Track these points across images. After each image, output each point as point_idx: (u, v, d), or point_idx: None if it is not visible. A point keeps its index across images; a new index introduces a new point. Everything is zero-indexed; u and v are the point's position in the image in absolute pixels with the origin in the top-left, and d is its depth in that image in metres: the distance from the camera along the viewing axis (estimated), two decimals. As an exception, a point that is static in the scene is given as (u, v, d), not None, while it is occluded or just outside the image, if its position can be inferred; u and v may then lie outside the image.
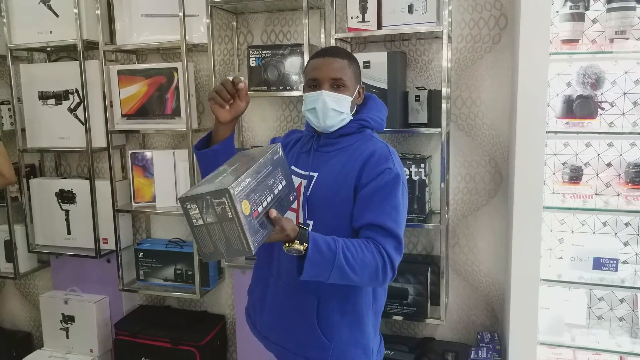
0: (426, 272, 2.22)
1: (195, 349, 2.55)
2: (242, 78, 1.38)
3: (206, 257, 1.11)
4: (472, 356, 2.21)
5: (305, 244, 1.22)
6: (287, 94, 2.24)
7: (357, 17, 2.13)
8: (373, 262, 1.29)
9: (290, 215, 1.45)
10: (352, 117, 1.48)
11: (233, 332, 2.79)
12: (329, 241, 1.27)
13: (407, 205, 1.42)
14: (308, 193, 1.43)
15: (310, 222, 1.42)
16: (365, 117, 1.49)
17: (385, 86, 2.08)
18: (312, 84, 1.44)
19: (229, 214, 1.02)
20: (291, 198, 1.33)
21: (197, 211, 1.06)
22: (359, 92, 1.50)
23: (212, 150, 1.47)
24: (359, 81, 1.51)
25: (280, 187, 1.25)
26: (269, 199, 1.16)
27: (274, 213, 1.15)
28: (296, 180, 1.45)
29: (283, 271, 1.47)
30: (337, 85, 1.43)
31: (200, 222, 1.07)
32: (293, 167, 1.50)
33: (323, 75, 1.42)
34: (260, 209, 1.11)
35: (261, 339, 1.59)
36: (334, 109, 1.42)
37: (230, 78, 1.39)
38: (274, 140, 1.64)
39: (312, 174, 1.45)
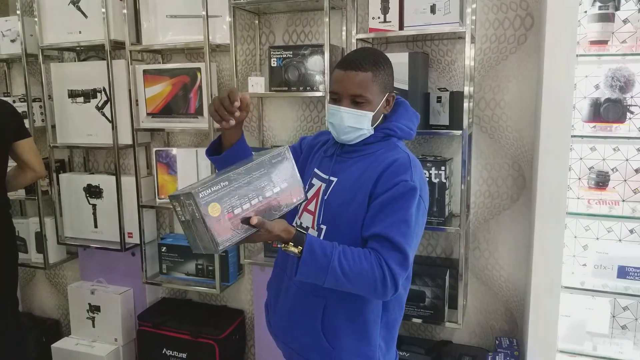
0: (444, 275, 2.20)
1: (215, 342, 2.60)
2: (240, 93, 1.32)
3: (193, 248, 1.21)
4: (489, 361, 2.19)
5: (300, 246, 1.25)
6: (307, 94, 2.25)
7: (379, 18, 2.11)
8: (370, 273, 1.26)
9: (307, 217, 1.46)
10: (372, 131, 1.42)
11: (251, 327, 2.84)
12: (326, 246, 1.27)
13: (423, 221, 1.37)
14: (325, 197, 1.42)
15: (324, 227, 1.42)
16: (391, 126, 1.44)
17: (406, 87, 2.06)
18: (333, 97, 1.40)
19: (197, 214, 1.12)
20: (294, 200, 1.32)
21: (179, 209, 1.16)
22: (387, 100, 1.43)
23: (222, 157, 1.47)
24: (389, 89, 1.43)
25: (276, 190, 1.27)
26: (254, 201, 1.21)
27: (254, 220, 1.18)
28: (317, 183, 1.46)
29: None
30: (357, 102, 1.37)
31: (182, 218, 1.17)
32: (316, 170, 1.50)
33: (343, 90, 1.37)
34: (238, 210, 1.17)
35: (273, 336, 1.61)
36: (351, 126, 1.38)
37: (228, 96, 1.33)
38: (302, 140, 1.66)
39: (331, 178, 1.44)
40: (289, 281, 1.51)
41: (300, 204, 1.38)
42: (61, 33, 2.61)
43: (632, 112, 2.04)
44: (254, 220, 1.19)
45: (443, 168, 2.13)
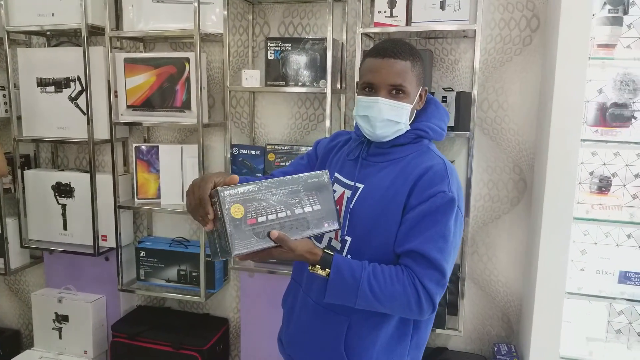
0: (445, 281, 2.14)
1: (198, 353, 2.43)
2: (217, 188, 1.14)
3: (212, 255, 1.18)
4: (490, 369, 2.14)
5: (327, 269, 1.18)
6: (308, 90, 2.13)
7: (385, 12, 2.02)
8: (404, 295, 1.18)
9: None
10: (409, 127, 1.31)
11: (236, 336, 2.68)
12: (355, 268, 1.19)
13: (461, 234, 1.27)
14: (351, 206, 1.30)
15: (348, 239, 1.29)
16: (423, 127, 1.31)
17: (427, 88, 1.98)
18: (368, 88, 1.27)
19: (219, 213, 1.10)
20: (325, 226, 1.25)
21: (216, 207, 1.14)
22: (420, 95, 1.32)
23: None
24: (422, 83, 1.32)
25: (307, 210, 1.22)
26: (281, 214, 1.17)
27: (275, 234, 1.14)
28: (339, 190, 1.34)
29: (314, 286, 1.35)
30: (397, 92, 1.25)
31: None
32: (337, 175, 1.37)
33: (381, 80, 1.24)
34: (262, 219, 1.14)
35: (284, 356, 1.48)
36: (389, 119, 1.26)
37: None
38: (317, 144, 1.53)
39: (357, 185, 1.31)
40: (305, 296, 1.39)
41: (332, 232, 1.28)
42: (31, 15, 2.37)
43: (635, 118, 2.04)
44: (275, 234, 1.13)
45: (447, 170, 2.06)
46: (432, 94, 2.10)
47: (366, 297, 1.18)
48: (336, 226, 1.26)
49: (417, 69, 1.28)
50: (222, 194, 1.10)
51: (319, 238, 1.37)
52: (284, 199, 1.18)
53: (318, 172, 1.27)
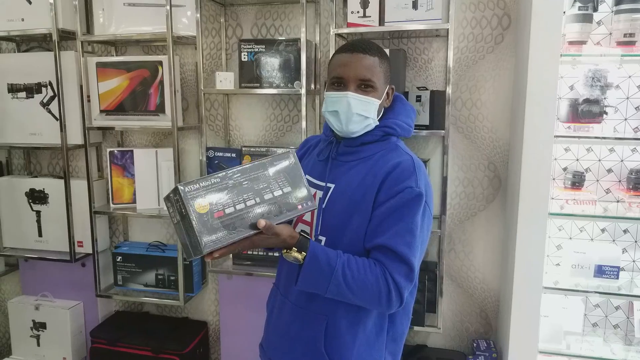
0: (424, 279, 2.15)
1: (178, 357, 2.42)
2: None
3: (185, 254, 1.14)
4: (469, 365, 2.16)
5: (303, 252, 1.17)
6: (282, 91, 2.12)
7: (358, 12, 2.02)
8: (375, 286, 1.19)
9: (303, 228, 1.34)
10: (377, 122, 1.32)
11: (216, 339, 2.67)
12: (330, 255, 1.19)
13: (429, 229, 1.28)
14: (323, 206, 1.30)
15: (322, 238, 1.30)
16: (390, 124, 1.33)
17: (394, 86, 1.98)
18: (337, 83, 1.28)
19: (183, 211, 1.05)
20: (299, 207, 1.21)
21: (171, 210, 1.10)
22: (387, 93, 1.33)
23: None
24: (389, 81, 1.33)
25: (276, 193, 1.17)
26: (249, 202, 1.12)
27: (262, 223, 1.11)
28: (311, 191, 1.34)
29: (291, 288, 1.34)
30: (366, 86, 1.26)
31: (174, 220, 1.11)
32: (308, 176, 1.36)
33: (350, 73, 1.25)
34: (230, 210, 1.09)
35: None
36: (359, 114, 1.27)
37: None
38: (307, 141, 1.53)
39: (328, 185, 1.32)
40: (283, 298, 1.38)
41: (308, 211, 1.25)
42: (0, 20, 2.33)
43: (606, 113, 2.06)
44: (262, 224, 1.10)
45: (423, 169, 2.07)
46: (406, 93, 2.11)
47: (338, 285, 1.18)
48: (311, 205, 1.23)
49: (384, 66, 1.29)
50: (183, 190, 1.05)
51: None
52: (250, 185, 1.14)
53: (283, 152, 1.23)
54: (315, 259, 1.17)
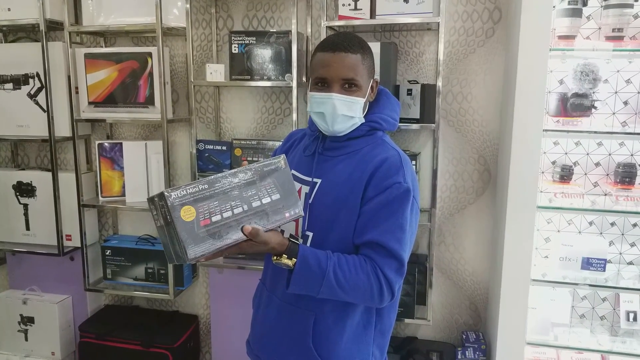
0: (413, 272, 2.16)
1: (169, 351, 2.41)
2: None
3: (168, 259, 1.11)
4: (459, 357, 2.18)
5: (294, 258, 1.17)
6: (273, 84, 2.11)
7: (349, 5, 2.02)
8: (367, 284, 1.20)
9: (290, 225, 1.33)
10: (363, 119, 1.31)
11: (206, 332, 2.66)
12: (320, 257, 1.19)
13: (417, 223, 1.29)
14: (310, 201, 1.29)
15: (310, 234, 1.29)
16: (376, 119, 1.32)
17: (377, 79, 1.98)
18: (320, 83, 1.26)
19: (168, 217, 1.02)
20: (287, 215, 1.20)
21: (155, 212, 1.07)
22: (372, 87, 1.32)
23: None
24: (373, 75, 1.32)
25: (265, 201, 1.16)
26: (237, 210, 1.10)
27: (248, 229, 1.10)
28: (297, 187, 1.32)
29: (279, 285, 1.34)
30: (349, 85, 1.25)
31: (158, 223, 1.08)
32: (294, 171, 1.35)
33: (333, 74, 1.23)
34: (216, 218, 1.07)
35: (252, 357, 1.47)
36: (344, 114, 1.26)
37: None
38: (274, 153, 1.52)
39: (315, 180, 1.31)
40: (270, 294, 1.38)
41: (295, 220, 1.25)
42: (-15, 10, 2.29)
43: (595, 107, 2.08)
44: (248, 229, 1.09)
45: (413, 162, 2.08)
46: (397, 86, 2.12)
47: (331, 287, 1.18)
48: (298, 212, 1.22)
49: (367, 61, 1.28)
50: (170, 197, 1.02)
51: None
52: (239, 192, 1.11)
53: (274, 158, 1.21)
54: (306, 265, 1.17)
